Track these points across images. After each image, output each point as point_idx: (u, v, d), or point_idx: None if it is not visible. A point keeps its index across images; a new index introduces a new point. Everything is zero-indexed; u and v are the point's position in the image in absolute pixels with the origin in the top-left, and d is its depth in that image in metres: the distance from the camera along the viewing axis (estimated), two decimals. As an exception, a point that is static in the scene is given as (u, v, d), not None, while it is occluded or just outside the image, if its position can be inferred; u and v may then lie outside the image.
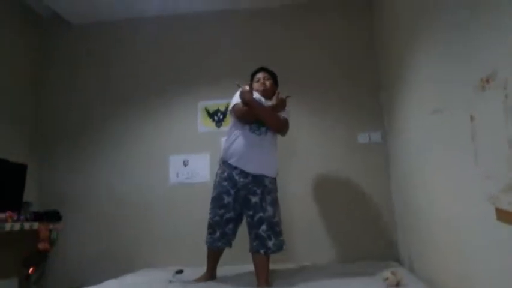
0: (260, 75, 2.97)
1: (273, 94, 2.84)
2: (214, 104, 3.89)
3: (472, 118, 1.65)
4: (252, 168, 2.64)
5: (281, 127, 2.78)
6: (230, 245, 2.81)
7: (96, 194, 3.85)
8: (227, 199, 2.69)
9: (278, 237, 2.60)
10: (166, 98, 3.95)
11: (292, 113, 3.72)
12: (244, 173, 2.65)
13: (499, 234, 1.48)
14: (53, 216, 3.66)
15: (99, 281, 2.79)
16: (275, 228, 2.60)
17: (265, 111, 2.69)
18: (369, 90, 3.69)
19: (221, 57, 3.95)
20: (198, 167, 3.77)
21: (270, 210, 2.60)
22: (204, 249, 2.89)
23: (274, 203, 2.67)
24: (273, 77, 3.00)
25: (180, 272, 3.07)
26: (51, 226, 3.59)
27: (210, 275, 2.84)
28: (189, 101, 3.91)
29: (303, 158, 3.64)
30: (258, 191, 2.62)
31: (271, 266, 2.68)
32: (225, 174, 2.71)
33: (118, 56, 4.12)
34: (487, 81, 1.48)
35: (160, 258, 3.60)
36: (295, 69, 3.79)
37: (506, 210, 1.41)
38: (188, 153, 3.83)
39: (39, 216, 3.49)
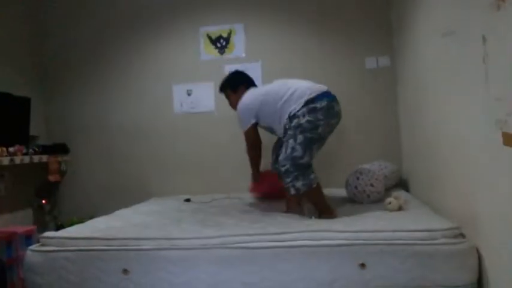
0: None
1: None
2: (216, 29, 3.72)
3: (484, 39, 1.55)
4: None
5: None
6: None
7: (103, 125, 3.85)
8: None
9: None
10: (167, 25, 3.79)
11: (297, 38, 3.61)
12: None
13: (505, 159, 1.46)
14: (61, 148, 3.71)
15: (110, 211, 2.87)
16: None
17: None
18: (377, 11, 3.50)
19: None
20: (203, 96, 3.71)
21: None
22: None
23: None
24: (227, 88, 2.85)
25: (187, 200, 3.18)
26: (60, 158, 3.65)
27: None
28: (189, 27, 3.75)
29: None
30: None
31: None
32: None
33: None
34: (503, -2, 1.37)
35: (169, 187, 3.68)
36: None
37: (514, 135, 1.37)
38: (192, 82, 3.75)
39: (47, 149, 3.54)
